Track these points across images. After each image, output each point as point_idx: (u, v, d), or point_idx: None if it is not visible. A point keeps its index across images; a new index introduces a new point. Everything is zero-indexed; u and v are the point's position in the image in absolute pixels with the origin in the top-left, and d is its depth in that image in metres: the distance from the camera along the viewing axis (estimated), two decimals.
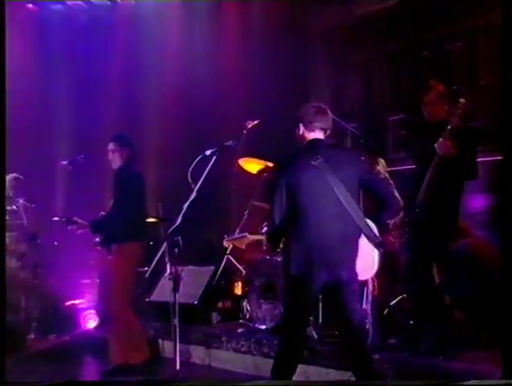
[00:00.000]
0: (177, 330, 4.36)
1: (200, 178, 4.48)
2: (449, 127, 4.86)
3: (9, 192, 7.35)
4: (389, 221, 5.78)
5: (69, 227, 5.90)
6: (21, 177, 7.40)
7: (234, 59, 8.59)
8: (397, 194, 6.33)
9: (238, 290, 7.14)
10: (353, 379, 4.79)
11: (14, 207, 7.41)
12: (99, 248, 6.25)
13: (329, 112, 4.25)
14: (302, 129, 4.20)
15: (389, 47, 7.84)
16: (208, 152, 4.48)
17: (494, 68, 6.96)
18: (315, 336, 5.71)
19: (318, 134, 4.18)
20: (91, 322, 7.75)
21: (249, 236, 4.46)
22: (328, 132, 4.22)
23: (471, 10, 7.05)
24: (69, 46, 9.10)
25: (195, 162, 4.46)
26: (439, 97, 5.13)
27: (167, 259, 7.19)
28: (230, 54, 8.64)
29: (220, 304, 7.20)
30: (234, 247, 5.19)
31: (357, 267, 4.07)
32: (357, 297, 4.35)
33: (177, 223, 4.17)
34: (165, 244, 4.20)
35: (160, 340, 6.89)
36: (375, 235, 4.07)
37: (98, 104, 8.84)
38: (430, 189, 5.00)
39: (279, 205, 3.99)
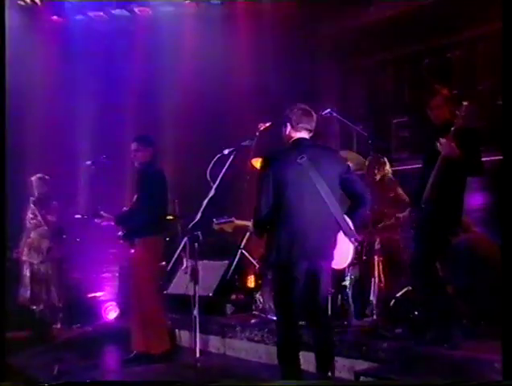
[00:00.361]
0: (197, 320, 4.32)
1: (217, 176, 4.43)
2: (453, 128, 4.82)
3: (34, 192, 7.36)
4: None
5: (95, 220, 5.93)
6: (46, 177, 7.37)
7: (247, 64, 8.57)
8: (401, 191, 6.36)
9: (251, 283, 7.11)
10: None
11: (31, 206, 7.37)
12: (122, 241, 6.23)
13: (314, 113, 4.29)
14: (289, 128, 4.24)
15: (393, 54, 7.84)
16: (225, 151, 4.45)
17: (491, 74, 6.96)
18: None
19: (303, 134, 4.23)
20: (112, 313, 7.75)
21: (235, 221, 4.45)
22: (312, 132, 4.27)
23: (470, 22, 7.08)
24: (91, 53, 9.09)
25: (213, 161, 4.43)
26: (444, 101, 5.08)
27: (183, 253, 7.26)
28: (244, 59, 8.62)
29: (233, 296, 7.17)
30: (222, 230, 5.10)
31: (334, 257, 4.20)
32: (329, 285, 4.45)
33: (197, 219, 4.14)
34: (185, 239, 4.13)
35: (177, 330, 6.90)
36: (351, 229, 4.17)
37: (119, 108, 8.84)
38: (435, 187, 4.96)
39: (266, 198, 4.06)
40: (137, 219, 5.85)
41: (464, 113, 4.84)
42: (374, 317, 5.57)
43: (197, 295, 4.33)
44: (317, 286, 4.16)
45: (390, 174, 6.38)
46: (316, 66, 8.20)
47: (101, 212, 5.91)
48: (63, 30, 9.27)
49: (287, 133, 4.27)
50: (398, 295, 5.59)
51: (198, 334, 4.35)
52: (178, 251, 3.93)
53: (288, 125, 4.24)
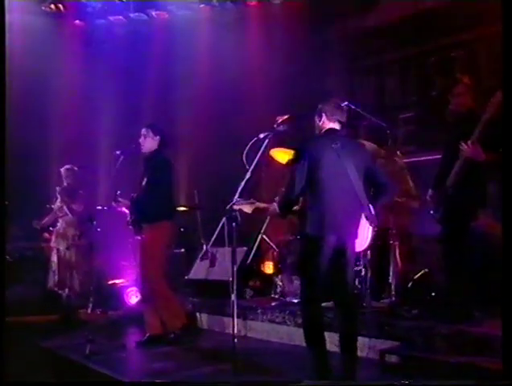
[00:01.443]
0: (235, 305, 4.03)
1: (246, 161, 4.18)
2: (481, 121, 4.59)
3: (63, 182, 7.07)
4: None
5: (113, 204, 5.70)
6: (75, 168, 7.06)
7: (260, 64, 8.35)
8: (411, 182, 6.13)
9: (270, 269, 6.83)
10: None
11: (57, 195, 7.07)
12: (130, 227, 5.90)
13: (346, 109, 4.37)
14: (324, 118, 4.24)
15: (400, 53, 7.63)
16: (261, 135, 4.23)
17: (492, 73, 6.76)
18: None
19: (335, 125, 4.25)
20: (133, 298, 7.46)
21: (256, 202, 4.26)
22: (343, 125, 4.26)
23: (471, 24, 6.85)
24: (111, 54, 8.86)
25: (249, 145, 4.22)
26: (467, 89, 4.86)
27: (203, 240, 7.00)
28: (256, 59, 8.40)
29: (252, 281, 6.85)
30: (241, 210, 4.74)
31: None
32: (353, 263, 4.40)
33: (235, 200, 3.88)
34: (224, 219, 3.87)
35: (198, 313, 6.63)
36: (372, 214, 4.15)
37: (139, 105, 8.59)
38: (458, 176, 4.76)
39: (300, 177, 4.00)
40: (145, 204, 5.60)
41: (494, 108, 4.61)
42: (393, 298, 5.31)
43: (235, 280, 4.04)
44: (344, 263, 4.08)
45: (401, 165, 6.16)
46: (327, 64, 7.96)
47: (119, 198, 5.67)
48: (85, 34, 9.04)
49: (321, 123, 4.26)
50: (415, 277, 5.34)
51: (236, 318, 4.05)
52: (216, 232, 3.64)
53: (323, 115, 4.24)
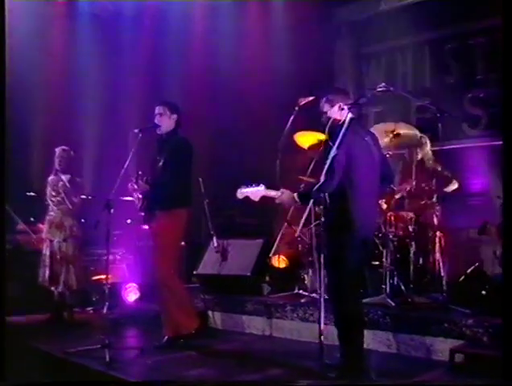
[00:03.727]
0: (322, 303, 3.39)
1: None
2: None
3: (56, 166, 6.13)
4: None
5: (136, 188, 4.92)
6: (71, 152, 6.11)
7: (260, 48, 7.67)
8: (440, 168, 5.71)
9: (283, 262, 6.20)
10: None
11: (52, 180, 6.12)
12: (143, 213, 5.09)
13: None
14: (339, 107, 3.85)
15: (415, 39, 7.18)
16: (345, 108, 3.65)
17: None
18: (393, 304, 4.88)
19: (350, 113, 3.83)
20: (131, 296, 6.64)
21: (264, 189, 3.66)
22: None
23: (492, 10, 6.39)
24: (97, 34, 8.01)
25: (330, 121, 3.60)
26: None
27: (213, 231, 6.28)
28: (256, 44, 7.72)
29: (268, 276, 6.18)
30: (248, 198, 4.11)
31: None
32: None
33: (321, 181, 3.25)
34: (310, 203, 3.24)
35: (211, 312, 5.91)
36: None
37: (132, 84, 7.85)
38: None
39: (339, 169, 3.55)
40: (161, 188, 4.87)
41: None
42: (444, 294, 4.80)
43: (322, 276, 3.39)
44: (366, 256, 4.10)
45: (430, 154, 5.78)
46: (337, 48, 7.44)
47: (139, 182, 4.89)
48: (68, 11, 8.05)
49: (338, 112, 3.84)
50: (468, 271, 4.85)
51: (323, 316, 3.41)
52: (304, 216, 3.02)
53: (338, 105, 3.85)
